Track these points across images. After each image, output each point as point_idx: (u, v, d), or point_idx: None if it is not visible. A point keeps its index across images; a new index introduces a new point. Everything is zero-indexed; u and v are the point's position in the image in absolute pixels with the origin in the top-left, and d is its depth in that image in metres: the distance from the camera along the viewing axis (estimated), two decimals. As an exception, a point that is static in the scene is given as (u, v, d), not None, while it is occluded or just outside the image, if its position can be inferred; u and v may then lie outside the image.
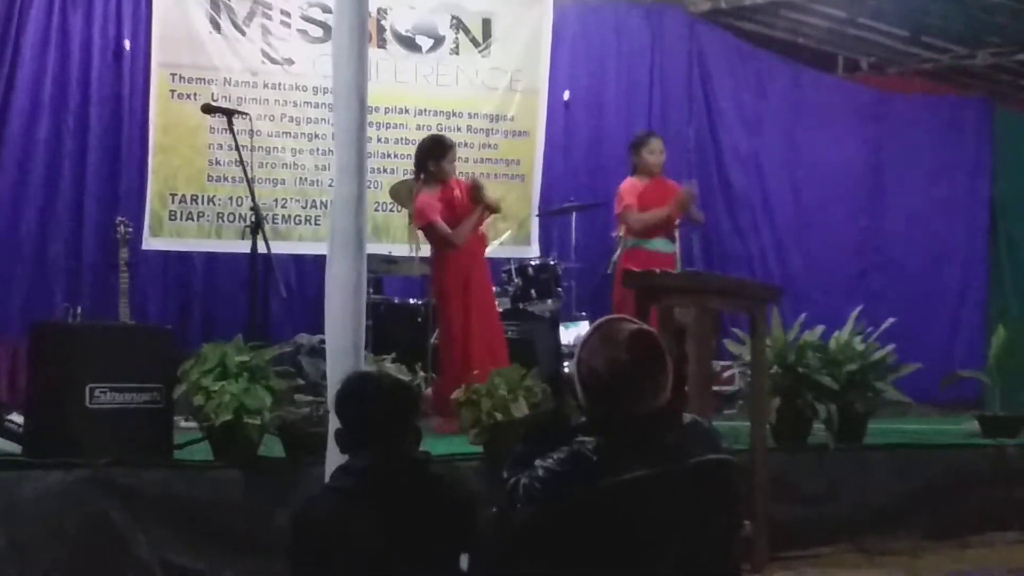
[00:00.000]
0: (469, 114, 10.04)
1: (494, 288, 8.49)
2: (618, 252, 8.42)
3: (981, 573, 6.25)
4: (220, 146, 9.04)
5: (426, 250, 8.18)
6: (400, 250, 9.24)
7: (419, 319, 8.62)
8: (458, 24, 10.08)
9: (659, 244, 8.30)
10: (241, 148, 7.26)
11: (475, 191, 7.88)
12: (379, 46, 9.65)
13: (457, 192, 7.97)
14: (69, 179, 8.93)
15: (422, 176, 7.97)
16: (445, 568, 3.44)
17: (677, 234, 8.54)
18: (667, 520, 3.02)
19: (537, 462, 3.11)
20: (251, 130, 7.70)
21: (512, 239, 9.81)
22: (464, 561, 3.47)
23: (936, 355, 10.54)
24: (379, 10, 9.57)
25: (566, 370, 8.55)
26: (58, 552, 5.08)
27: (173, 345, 5.94)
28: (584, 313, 9.35)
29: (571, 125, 10.63)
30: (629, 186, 8.42)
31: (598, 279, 9.77)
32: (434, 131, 9.52)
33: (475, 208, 7.85)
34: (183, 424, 6.27)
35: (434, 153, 7.95)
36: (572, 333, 9.06)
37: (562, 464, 3.06)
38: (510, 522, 3.13)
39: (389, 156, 9.75)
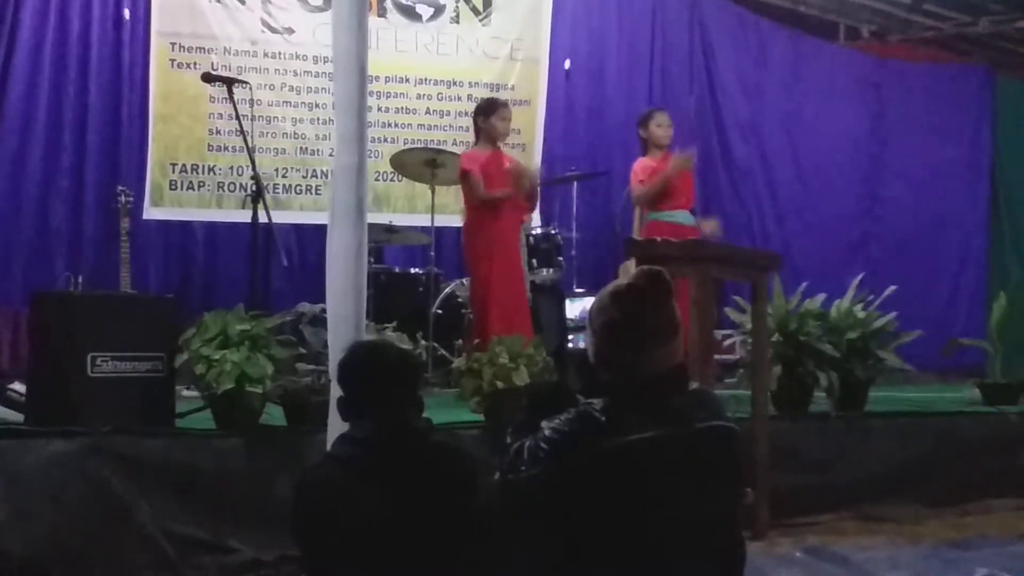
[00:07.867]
0: (469, 83, 10.01)
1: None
2: (635, 225, 8.42)
3: (981, 540, 6.25)
4: (220, 115, 9.05)
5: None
6: (400, 219, 9.24)
7: (420, 288, 8.62)
8: (458, -8, 10.05)
9: (681, 216, 8.30)
10: (241, 117, 7.25)
11: (518, 178, 7.91)
12: (379, 15, 9.63)
13: (507, 164, 8.01)
14: (69, 149, 8.91)
15: (480, 138, 8.05)
16: (448, 536, 3.44)
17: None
18: (672, 482, 3.01)
19: (543, 423, 3.10)
20: (251, 99, 7.70)
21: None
22: None
23: (937, 322, 10.59)
24: (379, -22, 9.56)
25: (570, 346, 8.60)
26: (61, 520, 5.07)
27: (175, 314, 5.93)
28: (585, 289, 9.31)
29: (572, 94, 10.60)
30: (641, 165, 8.42)
31: (599, 250, 9.78)
32: (434, 100, 9.52)
33: (513, 189, 7.86)
34: (185, 393, 6.27)
35: (482, 110, 8.04)
36: (577, 307, 9.04)
37: (569, 424, 3.05)
38: (514, 484, 3.12)
39: (389, 125, 9.75)
